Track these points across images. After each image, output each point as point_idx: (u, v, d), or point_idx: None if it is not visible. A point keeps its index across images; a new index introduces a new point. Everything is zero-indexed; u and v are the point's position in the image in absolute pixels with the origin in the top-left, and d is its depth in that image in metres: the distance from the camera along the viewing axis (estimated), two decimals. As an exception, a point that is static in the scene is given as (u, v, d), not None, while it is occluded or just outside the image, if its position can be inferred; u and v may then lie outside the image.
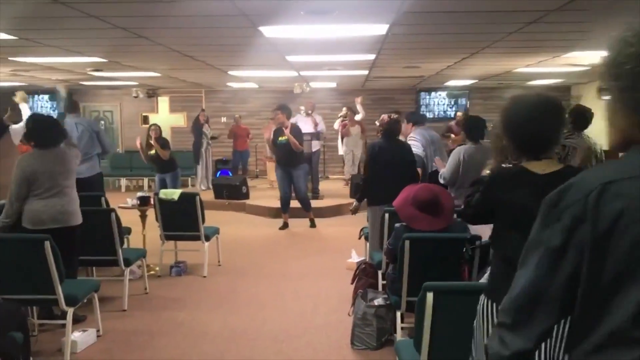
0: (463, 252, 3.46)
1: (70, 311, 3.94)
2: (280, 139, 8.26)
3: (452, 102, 14.98)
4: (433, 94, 14.91)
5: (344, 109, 12.42)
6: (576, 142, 4.99)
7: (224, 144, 13.95)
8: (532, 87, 12.66)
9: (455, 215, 3.87)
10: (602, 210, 1.07)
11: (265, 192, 11.57)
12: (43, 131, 4.34)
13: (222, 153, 13.88)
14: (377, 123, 5.88)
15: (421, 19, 5.28)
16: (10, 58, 7.81)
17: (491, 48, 7.19)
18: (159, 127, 8.43)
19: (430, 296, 2.59)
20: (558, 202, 1.14)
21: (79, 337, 4.13)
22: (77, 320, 4.44)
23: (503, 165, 2.74)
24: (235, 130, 13.14)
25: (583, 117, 5.13)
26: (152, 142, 8.13)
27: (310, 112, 10.75)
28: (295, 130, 8.38)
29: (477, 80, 12.58)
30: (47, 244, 3.76)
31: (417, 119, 6.76)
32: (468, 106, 14.67)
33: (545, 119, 2.18)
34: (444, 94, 14.91)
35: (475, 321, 2.24)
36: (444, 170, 5.17)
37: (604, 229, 1.06)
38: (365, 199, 5.58)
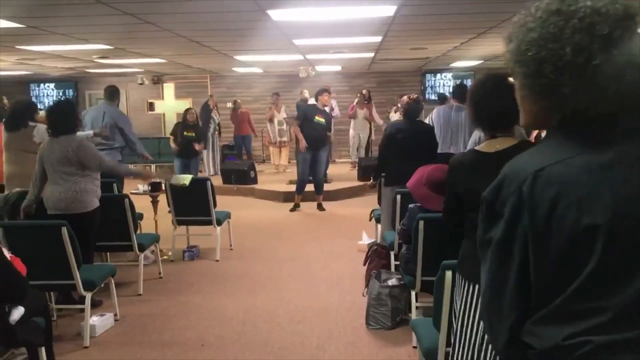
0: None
1: (88, 296, 4.00)
2: (317, 119, 8.19)
3: (458, 84, 14.90)
4: (438, 75, 14.84)
5: (364, 91, 12.26)
6: None
7: (230, 130, 13.94)
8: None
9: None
10: (537, 198, 1.08)
11: (272, 176, 11.60)
12: (54, 119, 4.39)
13: (228, 139, 13.90)
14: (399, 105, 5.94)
15: (429, -1, 5.26)
16: (16, 46, 7.81)
17: (499, 28, 7.15)
18: (194, 111, 8.70)
19: (449, 274, 2.61)
20: (496, 199, 1.14)
21: (98, 322, 4.19)
22: (94, 305, 4.49)
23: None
24: (236, 115, 13.12)
25: None
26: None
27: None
28: (326, 114, 8.52)
29: (482, 61, 12.50)
30: (65, 229, 3.80)
31: (458, 93, 6.41)
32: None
33: (493, 96, 2.26)
34: (449, 75, 14.83)
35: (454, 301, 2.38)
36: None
37: (542, 216, 1.07)
38: (382, 179, 5.62)
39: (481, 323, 2.11)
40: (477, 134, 5.05)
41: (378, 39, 7.95)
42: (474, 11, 5.92)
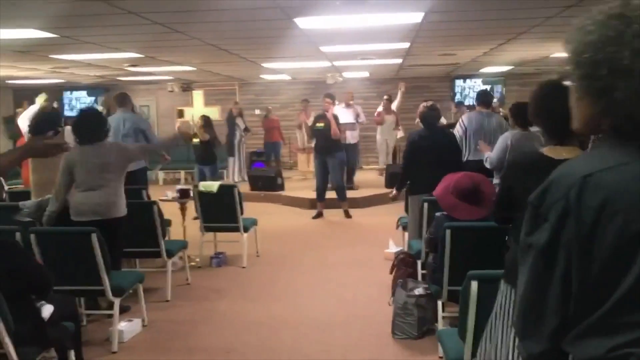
0: (505, 240, 3.43)
1: (117, 301, 4.05)
2: (317, 125, 8.33)
3: (488, 89, 14.74)
4: (468, 81, 14.70)
5: (385, 97, 12.31)
6: None
7: (258, 136, 14.05)
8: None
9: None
10: (585, 204, 1.06)
11: (299, 183, 11.63)
12: (84, 127, 4.45)
13: (256, 145, 14.01)
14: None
15: (457, 5, 5.21)
16: (50, 55, 7.99)
17: (528, 33, 7.06)
18: (204, 117, 8.76)
19: (474, 285, 2.58)
20: (542, 203, 1.13)
21: (126, 327, 4.24)
22: (123, 311, 4.55)
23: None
24: (267, 122, 13.22)
25: None
26: (196, 130, 8.45)
27: (350, 102, 10.78)
28: (335, 118, 8.49)
29: (513, 67, 12.36)
30: (94, 236, 3.87)
31: (482, 99, 6.38)
32: (504, 93, 14.44)
33: (561, 102, 2.16)
34: (479, 80, 14.69)
35: (494, 307, 2.28)
36: (491, 154, 5.11)
37: (588, 222, 1.06)
38: (406, 188, 5.57)
39: None
40: (505, 140, 4.99)
41: (406, 45, 7.92)
42: (501, 17, 5.86)
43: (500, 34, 7.19)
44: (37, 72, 10.59)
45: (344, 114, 10.41)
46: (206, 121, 8.55)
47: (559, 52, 9.45)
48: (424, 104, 5.55)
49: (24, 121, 5.87)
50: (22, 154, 3.32)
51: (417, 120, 9.81)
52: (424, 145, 5.31)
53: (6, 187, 10.39)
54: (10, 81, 12.49)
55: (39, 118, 5.06)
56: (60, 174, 4.38)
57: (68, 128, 4.91)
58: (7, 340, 2.86)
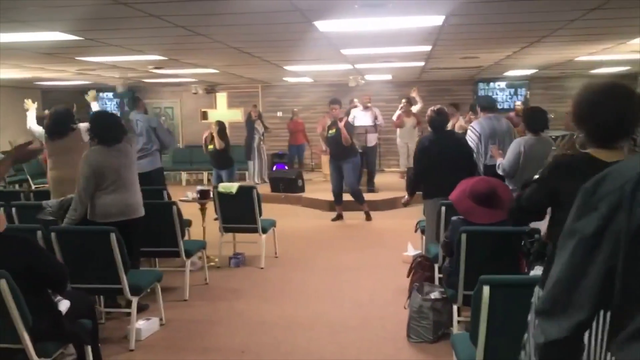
0: (521, 245, 3.40)
1: (135, 300, 4.11)
2: (330, 132, 8.36)
3: (512, 93, 14.61)
4: (492, 84, 14.58)
5: (403, 100, 12.31)
6: None
7: (280, 138, 14.12)
8: (597, 76, 12.21)
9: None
10: (638, 200, 1.06)
11: (320, 185, 11.63)
12: (105, 129, 4.50)
13: (278, 147, 14.08)
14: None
15: (478, 8, 5.18)
16: (76, 58, 8.14)
17: (552, 37, 6.98)
18: (219, 122, 8.75)
19: (486, 289, 2.56)
20: (595, 191, 1.13)
21: (143, 325, 4.30)
22: (141, 309, 4.61)
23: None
24: (292, 124, 13.29)
25: None
26: (214, 135, 8.47)
27: (368, 105, 10.77)
28: (348, 125, 8.48)
29: (537, 70, 12.22)
30: (113, 235, 3.93)
31: (483, 104, 6.34)
32: (528, 96, 14.28)
33: (615, 106, 2.11)
34: (503, 84, 14.55)
35: (529, 314, 2.20)
36: (503, 161, 5.06)
37: (639, 217, 1.05)
38: (421, 192, 5.54)
39: None
40: (517, 146, 4.92)
41: (428, 48, 7.89)
42: (523, 20, 5.81)
43: (523, 37, 7.12)
44: (65, 74, 10.79)
45: (362, 117, 10.43)
46: (221, 127, 8.59)
47: (584, 55, 9.33)
48: (432, 108, 5.51)
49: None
50: (12, 162, 3.73)
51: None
52: (434, 149, 5.28)
53: (33, 187, 10.64)
54: (38, 82, 12.75)
55: (55, 117, 5.15)
56: (86, 179, 4.33)
57: (83, 125, 5.02)
58: (26, 336, 2.93)
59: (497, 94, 14.54)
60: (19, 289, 2.88)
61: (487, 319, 2.57)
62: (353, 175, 8.51)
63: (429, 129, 5.55)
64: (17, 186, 10.83)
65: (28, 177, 11.51)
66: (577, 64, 10.77)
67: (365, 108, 10.72)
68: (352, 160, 8.43)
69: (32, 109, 6.01)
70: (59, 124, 5.03)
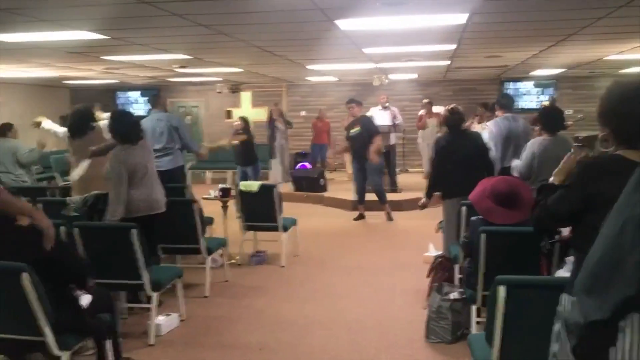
0: (541, 246, 3.35)
1: (155, 296, 4.16)
2: (352, 130, 8.35)
3: (539, 92, 14.41)
4: (518, 83, 14.39)
5: (424, 100, 12.26)
6: None
7: (303, 137, 14.15)
8: (627, 76, 11.96)
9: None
10: None
11: (343, 184, 11.63)
12: (127, 128, 4.57)
13: (301, 147, 14.10)
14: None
15: (503, 6, 5.12)
16: (102, 57, 8.27)
17: (579, 35, 6.86)
18: (243, 119, 8.81)
19: (502, 290, 2.53)
20: None
21: (163, 321, 4.35)
22: (161, 304, 4.66)
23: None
24: (319, 123, 13.30)
25: None
26: (239, 131, 8.57)
27: (386, 105, 10.72)
28: (366, 120, 8.50)
29: (565, 69, 12.03)
30: (134, 231, 3.98)
31: (502, 102, 6.22)
32: (555, 96, 14.06)
33: None
34: (529, 83, 14.36)
35: (555, 324, 2.03)
36: (519, 162, 4.97)
37: None
38: (440, 193, 5.49)
39: None
40: (531, 148, 4.82)
41: (452, 46, 7.83)
42: (548, 18, 5.72)
43: (549, 35, 7.01)
44: (91, 73, 10.97)
45: (380, 117, 10.37)
46: (244, 122, 8.67)
47: (613, 54, 9.15)
48: (446, 107, 5.46)
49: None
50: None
51: (475, 123, 9.67)
52: (451, 149, 5.23)
53: (61, 183, 10.84)
54: (66, 81, 12.99)
55: (74, 117, 5.23)
56: (119, 177, 4.38)
57: (102, 123, 5.09)
58: (47, 328, 2.98)
59: (523, 94, 14.36)
60: (41, 281, 2.93)
61: (502, 320, 2.54)
62: (377, 175, 8.51)
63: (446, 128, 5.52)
64: (45, 183, 11.03)
65: (56, 174, 11.73)
66: (606, 63, 10.57)
67: (383, 108, 10.68)
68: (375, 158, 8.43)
69: (43, 120, 6.15)
70: (78, 123, 5.12)
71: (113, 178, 4.42)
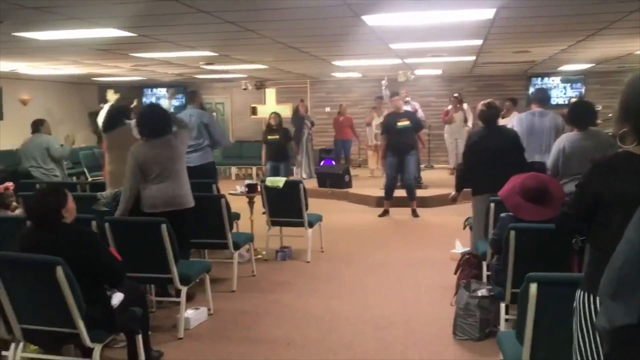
0: (572, 243, 3.31)
1: (184, 290, 4.21)
2: (400, 123, 8.33)
3: (567, 88, 14.19)
4: (545, 79, 14.18)
5: (455, 94, 12.11)
6: None
7: (328, 134, 14.15)
8: (657, 70, 11.68)
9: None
10: None
11: (367, 181, 11.62)
12: (150, 123, 4.59)
13: (325, 143, 14.12)
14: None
15: (530, 0, 5.05)
16: (130, 54, 8.38)
17: (610, 29, 6.74)
18: (279, 114, 8.85)
19: (533, 287, 2.51)
20: None
21: (192, 315, 4.40)
22: (188, 298, 4.72)
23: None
24: (338, 120, 13.29)
25: None
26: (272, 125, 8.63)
27: (407, 99, 10.69)
28: (413, 114, 8.68)
29: (594, 64, 11.82)
30: (164, 226, 4.03)
31: (535, 96, 6.15)
32: (584, 92, 13.84)
33: None
34: (557, 79, 14.14)
35: (573, 321, 2.09)
36: (548, 162, 4.90)
37: None
38: (470, 189, 5.45)
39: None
40: (558, 144, 4.75)
41: (479, 42, 7.75)
42: (577, 13, 5.63)
43: (578, 30, 6.91)
44: (120, 70, 11.12)
45: None
46: (280, 119, 8.73)
47: (644, 49, 8.96)
48: (482, 102, 5.39)
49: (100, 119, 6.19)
50: None
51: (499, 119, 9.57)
52: (484, 145, 5.15)
53: (89, 179, 11.03)
54: (95, 78, 13.18)
55: (111, 113, 5.32)
56: (132, 173, 4.46)
57: (132, 122, 5.16)
58: (80, 322, 3.05)
59: (551, 89, 14.15)
60: (76, 278, 2.99)
61: (534, 317, 2.52)
62: (413, 170, 8.54)
63: (480, 123, 5.45)
64: (74, 178, 11.23)
65: (85, 169, 11.94)
66: (636, 58, 10.36)
67: (405, 103, 10.64)
68: (414, 153, 8.51)
69: (112, 98, 6.23)
70: (110, 118, 5.21)
71: (126, 170, 4.50)
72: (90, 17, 5.31)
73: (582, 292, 2.05)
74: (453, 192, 5.72)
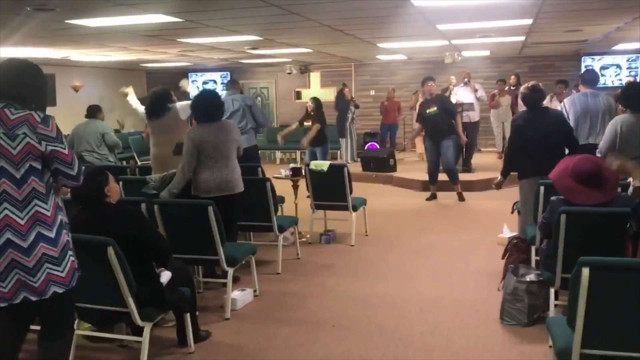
0: (627, 227, 3.20)
1: (230, 271, 4.27)
2: (429, 110, 8.23)
3: (621, 68, 13.65)
4: (598, 58, 13.68)
5: (500, 79, 11.97)
6: None
7: (373, 117, 14.06)
8: None
9: (619, 189, 3.58)
10: None
11: (413, 165, 11.50)
12: (203, 108, 4.66)
13: (370, 126, 14.04)
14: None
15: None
16: (178, 39, 8.49)
17: (669, 5, 6.44)
18: (315, 99, 8.80)
19: (586, 272, 2.43)
20: None
21: (238, 296, 4.47)
22: (235, 281, 4.79)
23: None
24: (388, 103, 13.19)
25: None
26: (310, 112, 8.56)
27: (466, 80, 10.61)
28: (442, 99, 8.45)
29: (651, 43, 11.34)
30: (211, 209, 4.10)
31: (585, 77, 5.97)
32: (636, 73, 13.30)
33: None
34: (611, 58, 13.62)
35: None
36: (601, 143, 4.75)
37: None
38: (517, 173, 5.32)
39: None
40: (614, 126, 4.59)
41: (528, 21, 7.53)
42: (636, -13, 5.39)
43: (635, 6, 6.61)
44: (167, 56, 11.30)
45: (462, 93, 10.26)
46: (317, 104, 8.64)
47: None
48: (526, 84, 5.23)
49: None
50: None
51: (550, 101, 9.33)
52: (529, 128, 5.00)
53: (139, 163, 11.29)
54: (143, 64, 13.44)
55: (152, 98, 5.38)
56: (188, 154, 4.52)
57: (179, 104, 5.22)
58: (131, 300, 3.13)
59: (604, 70, 13.64)
60: (126, 257, 3.07)
61: (585, 303, 2.45)
62: (452, 154, 8.40)
63: (524, 106, 5.31)
64: (124, 162, 11.52)
65: (134, 153, 12.22)
66: (697, 35, 9.88)
67: (465, 84, 10.57)
68: (452, 137, 8.35)
69: (130, 92, 6.30)
70: (155, 105, 5.26)
71: (184, 152, 4.56)
72: (138, 2, 5.39)
73: None
74: (498, 177, 5.59)
